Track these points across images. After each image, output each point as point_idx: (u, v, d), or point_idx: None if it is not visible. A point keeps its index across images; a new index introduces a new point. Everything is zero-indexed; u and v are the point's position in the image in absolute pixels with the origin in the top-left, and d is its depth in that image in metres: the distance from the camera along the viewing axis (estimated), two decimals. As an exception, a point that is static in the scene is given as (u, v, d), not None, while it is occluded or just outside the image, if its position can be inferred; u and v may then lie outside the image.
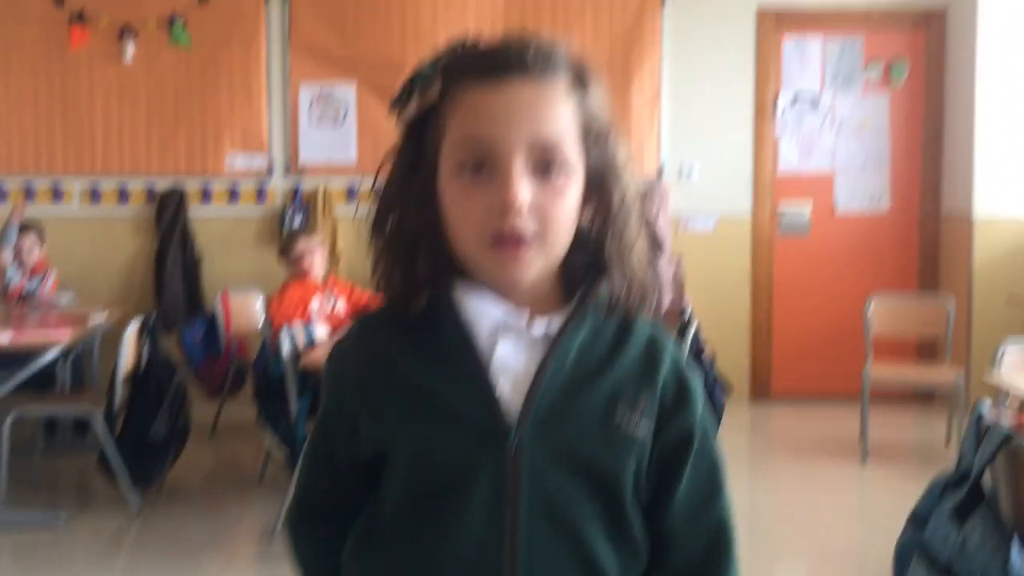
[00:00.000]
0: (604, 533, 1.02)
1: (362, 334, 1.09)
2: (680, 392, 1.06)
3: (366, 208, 1.07)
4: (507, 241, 0.97)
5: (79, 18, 5.77)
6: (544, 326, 1.02)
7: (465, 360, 1.01)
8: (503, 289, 1.02)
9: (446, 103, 1.00)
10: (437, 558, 1.01)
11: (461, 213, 0.99)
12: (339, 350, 1.10)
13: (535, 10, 5.92)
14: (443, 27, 5.87)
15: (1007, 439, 1.78)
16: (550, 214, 0.98)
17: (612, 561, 1.03)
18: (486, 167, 0.97)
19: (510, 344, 1.02)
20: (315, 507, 1.14)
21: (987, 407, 1.96)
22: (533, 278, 1.00)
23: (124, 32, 5.78)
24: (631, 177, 1.05)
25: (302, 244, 4.64)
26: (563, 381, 1.01)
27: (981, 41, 5.65)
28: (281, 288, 4.63)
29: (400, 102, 1.03)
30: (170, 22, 5.80)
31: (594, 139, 1.02)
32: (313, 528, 1.14)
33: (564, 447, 1.00)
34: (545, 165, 0.98)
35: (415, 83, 1.02)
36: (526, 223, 0.97)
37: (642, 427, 1.02)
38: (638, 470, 1.03)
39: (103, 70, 5.85)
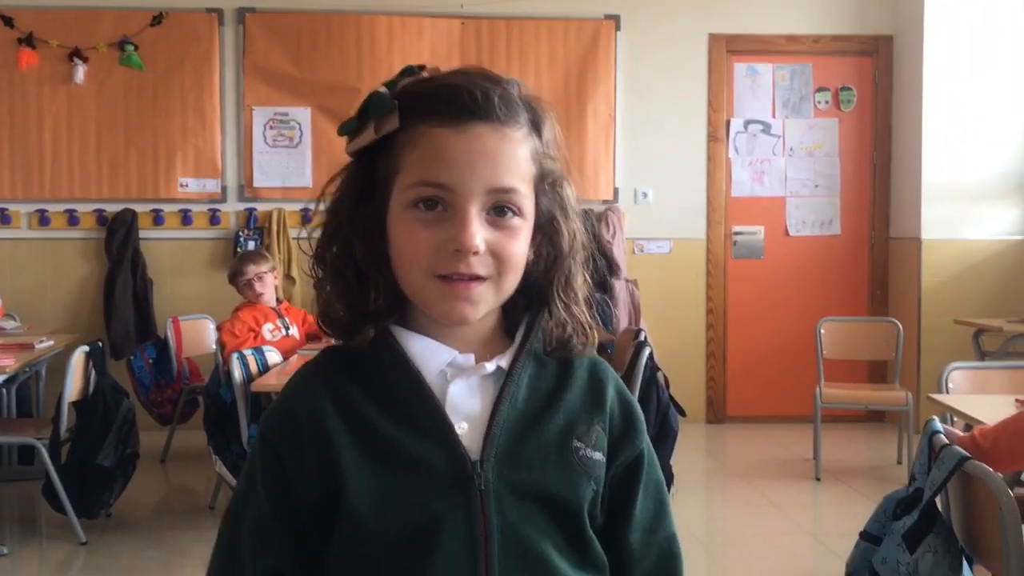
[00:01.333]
0: (572, 561, 1.02)
1: (306, 382, 1.03)
2: (627, 417, 1.08)
3: (312, 232, 1.04)
4: (459, 279, 0.97)
5: (28, 40, 5.68)
6: (495, 363, 1.02)
7: (420, 404, 1.00)
8: (445, 329, 1.01)
9: (404, 137, 0.98)
10: None
11: (411, 246, 0.97)
12: (282, 403, 1.03)
13: (490, 35, 5.94)
14: (398, 52, 5.86)
15: (961, 462, 1.79)
16: (504, 255, 0.98)
17: None
18: (441, 206, 0.97)
19: (462, 384, 1.02)
20: None
21: (939, 426, 1.98)
22: (479, 316, 1.00)
23: (74, 54, 5.70)
24: (579, 220, 1.06)
25: (252, 269, 4.59)
26: (518, 417, 1.01)
27: (927, 67, 5.78)
28: (233, 313, 4.59)
29: (351, 128, 1.01)
30: (122, 45, 5.74)
31: (549, 183, 1.03)
32: None
33: (526, 482, 1.00)
34: (500, 208, 0.98)
35: (370, 111, 0.99)
36: (480, 265, 0.97)
37: (596, 455, 1.04)
38: (595, 497, 1.04)
39: (52, 91, 5.76)
